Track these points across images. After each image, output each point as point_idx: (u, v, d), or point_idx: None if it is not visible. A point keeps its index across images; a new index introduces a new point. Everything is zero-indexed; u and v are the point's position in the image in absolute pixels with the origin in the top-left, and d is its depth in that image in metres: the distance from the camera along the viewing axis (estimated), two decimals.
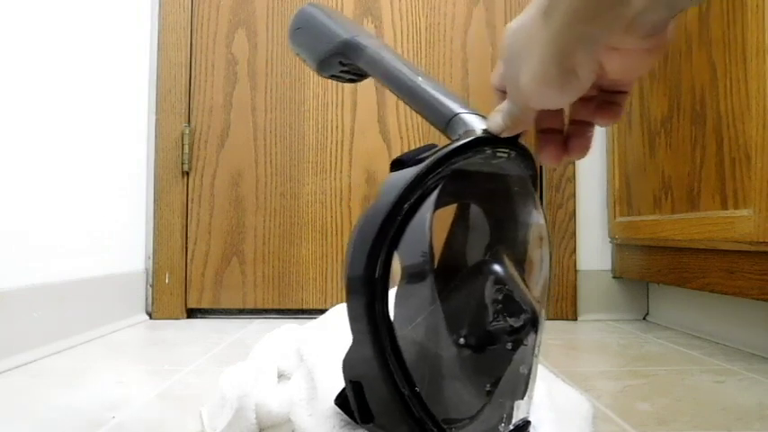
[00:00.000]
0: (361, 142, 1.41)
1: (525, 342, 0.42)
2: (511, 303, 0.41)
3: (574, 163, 1.40)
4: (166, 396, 0.72)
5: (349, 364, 0.41)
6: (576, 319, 1.37)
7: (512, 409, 0.43)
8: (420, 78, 0.47)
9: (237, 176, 1.40)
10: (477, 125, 0.41)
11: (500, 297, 0.42)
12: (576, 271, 1.39)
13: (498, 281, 0.42)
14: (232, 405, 0.50)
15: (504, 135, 0.40)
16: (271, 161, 1.41)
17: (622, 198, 1.32)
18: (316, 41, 0.55)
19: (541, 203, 0.46)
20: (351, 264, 0.39)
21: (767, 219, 0.82)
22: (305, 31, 0.56)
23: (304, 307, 1.38)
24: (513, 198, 0.45)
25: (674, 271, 1.13)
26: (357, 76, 0.56)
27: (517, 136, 0.41)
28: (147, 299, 1.36)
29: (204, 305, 1.39)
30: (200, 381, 0.79)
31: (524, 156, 0.43)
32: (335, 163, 1.41)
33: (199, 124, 1.41)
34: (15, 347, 0.88)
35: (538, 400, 0.50)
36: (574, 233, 1.40)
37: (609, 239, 1.40)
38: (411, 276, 0.40)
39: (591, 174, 1.42)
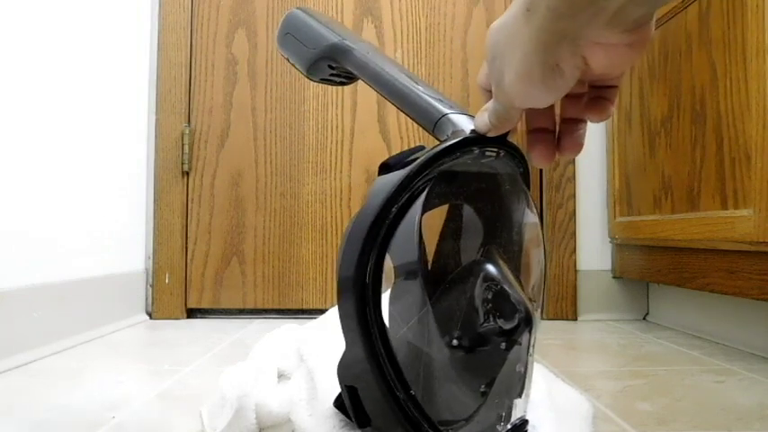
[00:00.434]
0: (361, 142, 1.41)
1: (519, 341, 0.42)
2: (503, 303, 0.41)
3: (574, 163, 1.40)
4: (166, 396, 0.72)
5: (343, 369, 0.41)
6: (576, 319, 1.37)
7: (509, 408, 0.43)
8: (408, 80, 0.47)
9: (237, 176, 1.40)
10: (466, 125, 0.41)
11: (492, 297, 0.42)
12: (576, 271, 1.39)
13: (490, 280, 0.42)
14: (232, 405, 0.50)
15: (491, 134, 0.39)
16: (271, 161, 1.41)
17: (622, 198, 1.32)
18: (304, 46, 0.55)
19: (534, 201, 0.45)
20: (341, 266, 0.39)
21: (767, 219, 0.82)
22: (293, 36, 0.56)
23: (304, 307, 1.38)
24: (505, 196, 0.45)
25: (674, 271, 1.13)
26: (347, 78, 0.56)
27: (505, 135, 0.40)
28: (147, 299, 1.36)
29: (204, 305, 1.39)
30: (200, 381, 0.79)
31: (514, 154, 0.43)
32: (335, 163, 1.41)
33: (199, 124, 1.41)
34: (15, 347, 0.88)
35: (538, 399, 0.50)
36: (574, 233, 1.40)
37: (609, 239, 1.40)
38: (402, 279, 0.40)
39: (591, 174, 1.42)
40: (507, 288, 0.41)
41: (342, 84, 0.57)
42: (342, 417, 0.45)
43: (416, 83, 0.47)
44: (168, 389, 0.75)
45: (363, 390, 0.40)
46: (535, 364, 0.47)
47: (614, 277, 1.40)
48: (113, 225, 1.22)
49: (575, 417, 0.55)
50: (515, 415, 0.43)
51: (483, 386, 0.42)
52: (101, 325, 1.13)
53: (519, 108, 0.37)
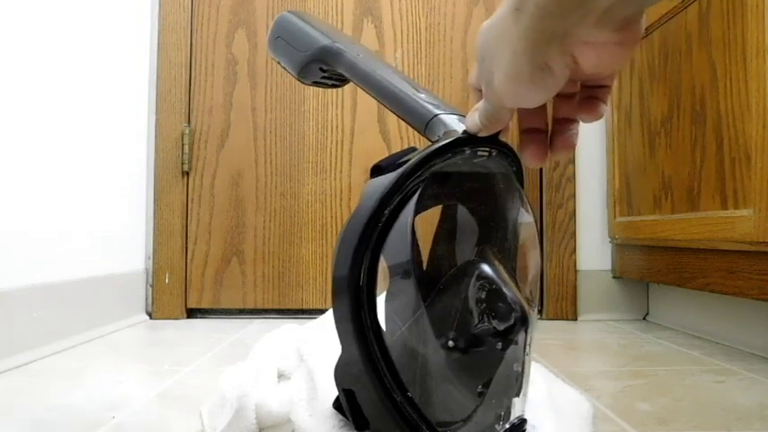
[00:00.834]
0: (361, 142, 1.41)
1: (516, 341, 0.42)
2: (499, 303, 0.41)
3: (574, 163, 1.40)
4: (166, 396, 0.72)
5: (339, 372, 0.41)
6: (576, 319, 1.37)
7: (506, 408, 0.43)
8: (400, 81, 0.47)
9: (237, 176, 1.40)
10: (457, 126, 0.41)
11: (487, 297, 0.42)
12: (576, 271, 1.39)
13: (485, 280, 0.42)
14: (232, 405, 0.50)
15: (482, 134, 0.39)
16: (271, 161, 1.41)
17: (622, 198, 1.32)
18: (294, 49, 0.55)
19: (528, 200, 0.45)
20: (335, 269, 0.39)
21: (767, 219, 0.82)
22: (283, 40, 0.56)
23: (304, 307, 1.38)
24: (499, 196, 0.45)
25: (674, 271, 1.13)
26: (339, 81, 0.56)
27: (497, 134, 0.40)
28: (147, 299, 1.36)
29: (204, 305, 1.39)
30: (200, 381, 0.79)
31: (507, 153, 0.43)
32: (335, 163, 1.41)
33: (199, 124, 1.41)
34: (15, 347, 0.88)
35: (538, 399, 0.50)
36: (574, 233, 1.40)
37: (609, 239, 1.40)
38: (398, 280, 0.40)
39: (591, 174, 1.42)
40: (502, 288, 0.41)
41: (334, 86, 0.57)
42: (341, 417, 0.45)
43: (408, 84, 0.47)
44: (168, 389, 0.75)
45: (360, 392, 0.40)
46: (535, 364, 0.47)
47: (614, 277, 1.40)
48: (113, 225, 1.22)
49: (575, 417, 0.55)
50: (513, 415, 0.43)
51: (480, 386, 0.42)
52: (101, 325, 1.13)
53: (509, 108, 0.37)
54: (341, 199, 1.40)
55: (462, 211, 0.47)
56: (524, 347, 0.42)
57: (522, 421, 0.43)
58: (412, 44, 1.43)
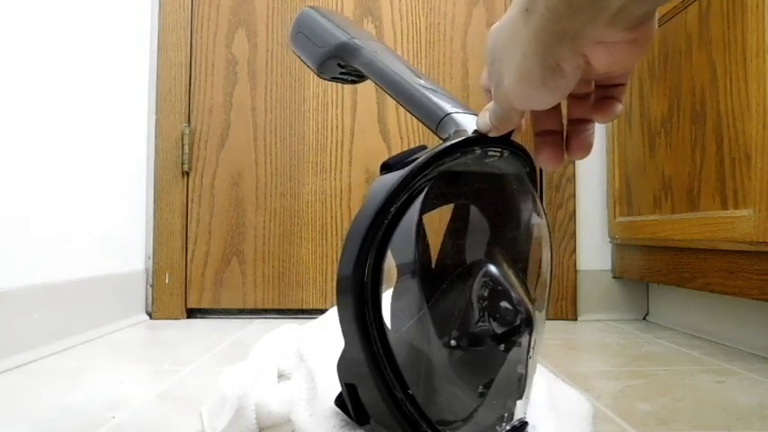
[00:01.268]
0: (361, 142, 1.41)
1: (519, 343, 0.41)
2: (502, 304, 0.41)
3: (574, 163, 1.40)
4: (166, 396, 0.72)
5: (342, 367, 0.41)
6: (576, 319, 1.37)
7: (508, 409, 0.43)
8: (415, 78, 0.47)
9: (237, 176, 1.40)
10: (469, 125, 0.41)
11: (492, 298, 0.41)
12: (576, 271, 1.39)
13: (491, 282, 0.42)
14: (232, 405, 0.50)
15: (493, 134, 0.39)
16: (271, 161, 1.41)
17: (622, 198, 1.32)
18: (314, 45, 0.55)
19: (541, 200, 0.45)
20: (340, 266, 0.39)
21: (767, 219, 0.82)
22: (304, 35, 0.57)
23: (304, 307, 1.38)
24: (510, 197, 0.45)
25: (674, 271, 1.13)
26: (357, 77, 0.56)
27: (509, 134, 0.40)
28: (147, 299, 1.36)
29: (204, 305, 1.39)
30: (200, 381, 0.79)
31: (519, 153, 0.43)
32: (335, 163, 1.41)
33: (199, 124, 1.41)
34: (15, 347, 0.88)
35: (538, 400, 0.50)
36: (574, 233, 1.40)
37: (609, 239, 1.40)
38: (404, 278, 0.40)
39: (591, 174, 1.42)
40: (507, 289, 0.41)
41: (353, 82, 0.58)
42: (342, 416, 0.45)
43: (424, 82, 0.47)
44: (168, 389, 0.75)
45: (362, 388, 0.40)
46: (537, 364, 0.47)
47: (614, 277, 1.40)
48: (113, 225, 1.22)
49: (575, 417, 0.55)
50: (515, 417, 0.43)
51: (481, 387, 0.42)
52: (101, 325, 1.13)
53: (519, 110, 0.36)
54: (341, 199, 1.40)
55: (472, 211, 0.47)
56: (528, 350, 0.42)
57: (524, 424, 0.43)
58: (412, 44, 1.43)
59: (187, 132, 1.39)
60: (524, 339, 0.42)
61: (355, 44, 0.52)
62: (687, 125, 1.05)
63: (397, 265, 0.40)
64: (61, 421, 0.62)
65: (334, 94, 1.42)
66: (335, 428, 0.45)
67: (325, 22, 0.56)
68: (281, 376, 0.57)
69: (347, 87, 1.40)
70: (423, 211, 0.39)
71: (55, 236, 1.01)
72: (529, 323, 0.41)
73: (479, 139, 0.40)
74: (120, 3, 1.27)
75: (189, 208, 1.39)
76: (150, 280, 1.37)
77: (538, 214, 0.45)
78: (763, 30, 0.83)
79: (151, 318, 1.35)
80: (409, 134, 1.41)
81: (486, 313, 0.42)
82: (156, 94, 1.39)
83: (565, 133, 0.39)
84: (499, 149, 0.42)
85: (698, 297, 1.17)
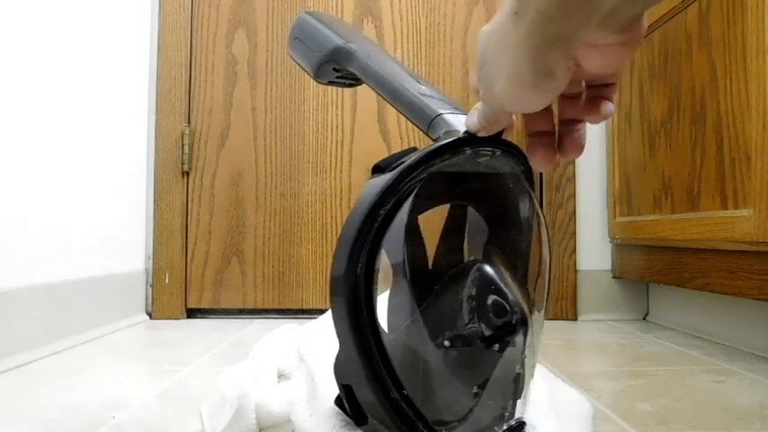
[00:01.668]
0: (361, 142, 1.41)
1: (513, 343, 0.41)
2: (497, 304, 0.41)
3: (574, 163, 1.40)
4: (166, 396, 0.72)
5: (338, 368, 0.41)
6: (576, 319, 1.37)
7: (504, 410, 0.43)
8: (409, 80, 0.47)
9: (237, 176, 1.40)
10: (460, 125, 0.41)
11: (486, 298, 0.41)
12: (576, 271, 1.39)
13: (485, 282, 0.42)
14: (232, 405, 0.50)
15: (482, 134, 0.39)
16: (271, 161, 1.41)
17: (622, 198, 1.32)
18: (309, 50, 0.56)
19: (541, 200, 0.45)
20: (332, 267, 0.39)
21: (767, 219, 0.82)
22: (300, 41, 0.57)
23: (304, 307, 1.38)
24: (505, 196, 0.45)
25: (673, 271, 1.13)
26: (353, 80, 0.56)
27: (500, 134, 0.40)
28: (147, 299, 1.36)
29: (204, 305, 1.39)
30: (200, 381, 0.79)
31: (512, 152, 0.43)
32: (335, 163, 1.41)
33: (199, 124, 1.41)
34: (15, 347, 0.88)
35: (538, 400, 0.50)
36: (574, 233, 1.40)
37: (609, 239, 1.40)
38: (396, 279, 0.40)
39: (591, 174, 1.42)
40: (502, 289, 0.41)
41: (350, 85, 0.58)
42: (342, 416, 0.45)
43: (418, 83, 0.47)
44: (168, 389, 0.75)
45: (358, 389, 0.40)
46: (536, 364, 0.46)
47: (614, 277, 1.40)
48: (113, 225, 1.22)
49: (575, 417, 0.55)
50: (512, 417, 0.43)
51: (476, 387, 0.42)
52: (101, 325, 1.13)
53: (508, 112, 0.36)
54: (341, 199, 1.40)
55: (469, 211, 0.47)
56: (523, 350, 0.42)
57: (521, 424, 0.43)
58: (412, 44, 1.43)
59: (187, 132, 1.39)
60: (519, 339, 0.41)
61: (350, 48, 0.52)
62: (687, 125, 1.05)
63: (392, 266, 0.40)
64: (61, 421, 0.62)
65: (334, 94, 1.42)
66: (335, 428, 0.45)
67: (320, 26, 0.56)
68: (281, 376, 0.57)
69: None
70: (414, 212, 0.39)
71: (55, 236, 1.01)
72: (524, 323, 0.41)
73: (469, 139, 0.40)
74: (120, 3, 1.27)
75: (189, 208, 1.39)
76: (150, 280, 1.37)
77: (535, 213, 0.45)
78: (763, 30, 0.83)
79: (151, 318, 1.35)
80: (409, 134, 1.41)
81: (479, 313, 0.42)
82: (156, 94, 1.39)
83: (557, 134, 0.39)
84: (490, 149, 0.42)
85: (698, 297, 1.17)
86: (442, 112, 0.43)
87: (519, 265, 0.45)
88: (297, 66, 0.59)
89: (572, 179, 1.40)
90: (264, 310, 1.39)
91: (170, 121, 1.39)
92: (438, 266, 0.47)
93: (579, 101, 0.37)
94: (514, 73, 0.32)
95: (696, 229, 1.00)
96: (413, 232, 0.44)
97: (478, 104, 0.38)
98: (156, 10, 1.40)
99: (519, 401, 0.43)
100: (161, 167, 1.38)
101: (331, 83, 0.58)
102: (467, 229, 0.47)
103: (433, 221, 0.48)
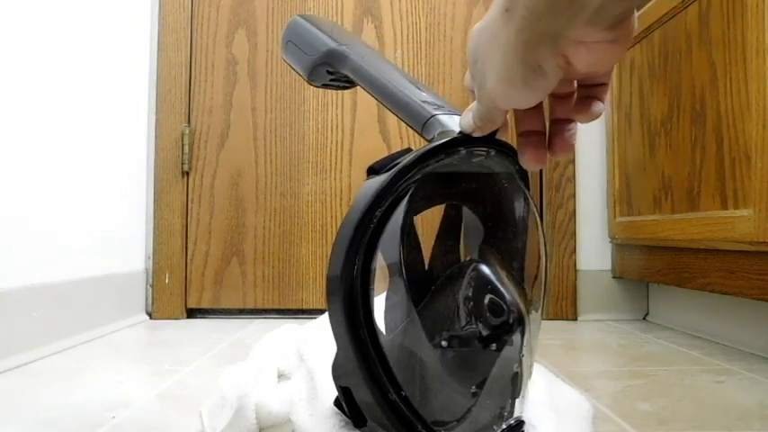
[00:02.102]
0: (361, 142, 1.41)
1: (510, 342, 0.41)
2: (493, 303, 0.41)
3: (574, 163, 1.40)
4: (166, 396, 0.72)
5: (336, 370, 0.41)
6: (576, 319, 1.37)
7: (503, 409, 0.43)
8: (403, 82, 0.47)
9: (237, 176, 1.40)
10: (454, 126, 0.41)
11: (482, 298, 0.41)
12: (576, 271, 1.39)
13: (481, 281, 0.42)
14: (232, 405, 0.50)
15: (477, 134, 0.39)
16: (271, 161, 1.41)
17: (622, 198, 1.32)
18: (303, 53, 0.56)
19: (541, 200, 0.45)
20: (328, 269, 0.39)
21: (767, 219, 0.82)
22: (293, 44, 0.57)
23: (304, 307, 1.38)
24: (501, 195, 0.45)
25: (673, 271, 1.13)
26: (347, 83, 0.56)
27: (494, 133, 0.40)
28: (147, 299, 1.36)
29: (204, 305, 1.39)
30: (200, 381, 0.79)
31: (507, 152, 0.43)
32: (335, 163, 1.41)
33: (199, 124, 1.41)
34: (15, 347, 0.88)
35: (538, 399, 0.50)
36: (574, 233, 1.40)
37: (609, 239, 1.40)
38: (393, 280, 0.40)
39: (591, 174, 1.42)
40: (498, 288, 0.41)
41: (343, 88, 0.58)
42: (342, 417, 0.45)
43: (412, 84, 0.47)
44: (168, 389, 0.75)
45: (356, 390, 0.40)
46: (535, 364, 0.46)
47: (614, 277, 1.40)
48: (113, 225, 1.22)
49: (575, 417, 0.55)
50: (511, 416, 0.43)
51: (474, 387, 0.42)
52: (101, 325, 1.13)
53: (502, 109, 0.36)
54: (341, 199, 1.40)
55: (464, 212, 0.47)
56: (520, 349, 0.42)
57: (520, 423, 0.43)
58: (412, 44, 1.43)
59: (187, 132, 1.39)
60: (517, 338, 0.41)
61: (343, 50, 0.52)
62: (687, 125, 1.05)
63: (388, 267, 0.40)
64: (61, 421, 0.62)
65: (334, 94, 1.42)
66: (335, 428, 0.45)
67: (313, 29, 0.56)
68: (281, 376, 0.57)
69: None
70: (409, 213, 0.39)
71: (55, 236, 1.01)
72: (521, 322, 0.41)
73: (464, 139, 0.40)
74: (120, 3, 1.27)
75: (189, 208, 1.39)
76: (150, 280, 1.37)
77: (530, 212, 0.45)
78: (763, 30, 0.83)
79: (151, 318, 1.35)
80: (409, 134, 1.41)
81: (476, 313, 0.42)
82: (156, 94, 1.39)
83: (547, 133, 0.39)
84: (485, 149, 0.42)
85: (698, 297, 1.17)
86: (436, 113, 0.43)
87: (515, 265, 0.45)
88: (295, 71, 0.59)
89: (572, 179, 1.40)
90: (264, 310, 1.39)
91: (170, 121, 1.39)
92: (434, 267, 0.47)
93: (570, 100, 0.37)
94: (505, 70, 0.32)
95: (696, 229, 1.00)
96: (409, 233, 0.44)
97: (473, 104, 0.38)
98: (156, 10, 1.40)
99: (517, 400, 0.43)
100: (161, 167, 1.38)
101: (325, 86, 0.58)
102: (462, 230, 0.47)
103: (428, 222, 0.48)
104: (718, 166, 0.95)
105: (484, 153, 0.42)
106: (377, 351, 0.38)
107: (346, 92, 1.42)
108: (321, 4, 1.43)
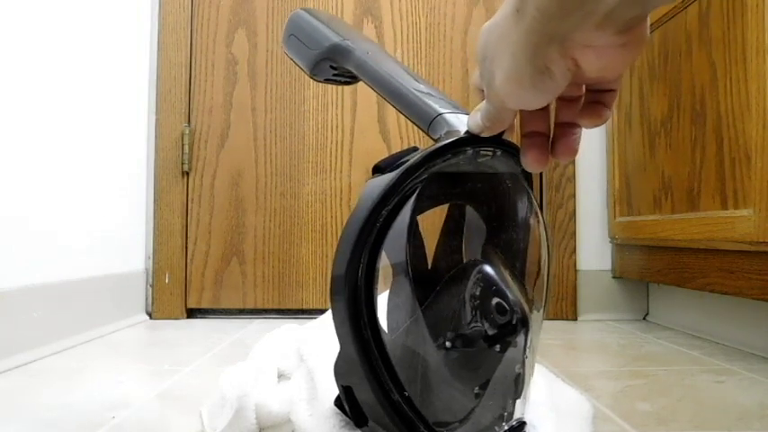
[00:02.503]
0: (361, 142, 1.41)
1: (514, 343, 0.41)
2: (497, 304, 0.41)
3: (574, 163, 1.40)
4: (166, 396, 0.72)
5: (338, 369, 0.41)
6: (576, 319, 1.37)
7: (505, 410, 0.43)
8: (408, 79, 0.47)
9: (237, 176, 1.40)
10: (461, 125, 0.41)
11: (487, 298, 0.41)
12: (576, 271, 1.39)
13: (485, 282, 0.42)
14: (232, 405, 0.50)
15: (484, 134, 0.39)
16: (271, 161, 1.41)
17: (622, 198, 1.32)
18: (306, 47, 0.55)
19: (541, 200, 0.45)
20: (333, 267, 0.39)
21: (767, 219, 0.82)
22: (296, 38, 0.56)
23: (304, 307, 1.38)
24: (505, 196, 0.45)
25: (673, 271, 1.13)
26: (350, 78, 0.56)
27: (500, 134, 0.40)
28: (147, 299, 1.36)
29: (204, 305, 1.39)
30: (200, 381, 0.79)
31: (512, 152, 0.43)
32: (335, 163, 1.41)
33: (199, 124, 1.41)
34: (15, 347, 0.88)
35: (538, 400, 0.50)
36: (574, 233, 1.40)
37: (609, 239, 1.40)
38: (398, 280, 0.40)
39: (591, 174, 1.42)
40: (502, 289, 0.41)
41: (346, 83, 0.57)
42: (342, 417, 0.45)
43: (417, 82, 0.47)
44: (168, 389, 0.75)
45: (358, 390, 0.40)
46: (536, 364, 0.46)
47: (614, 277, 1.40)
48: (113, 225, 1.22)
49: (575, 417, 0.55)
50: (513, 417, 0.43)
51: (477, 388, 0.42)
52: (101, 325, 1.13)
53: (511, 109, 0.36)
54: (341, 199, 1.40)
55: (468, 211, 0.47)
56: (524, 350, 0.42)
57: (522, 423, 0.43)
58: (412, 44, 1.43)
59: (187, 132, 1.39)
60: (520, 339, 0.41)
61: (347, 45, 0.52)
62: (687, 125, 1.05)
63: (392, 266, 0.40)
64: (61, 421, 0.62)
65: (334, 94, 1.42)
66: (335, 428, 0.45)
67: (316, 23, 0.55)
68: (281, 376, 0.57)
69: (347, 87, 1.40)
70: (415, 212, 0.39)
71: (55, 236, 1.01)
72: (525, 323, 0.41)
73: (470, 139, 0.40)
74: (120, 3, 1.27)
75: (189, 208, 1.39)
76: (150, 280, 1.37)
77: (534, 212, 0.45)
78: (763, 30, 0.83)
79: (151, 318, 1.35)
80: (409, 134, 1.41)
81: (480, 314, 0.41)
82: (156, 94, 1.39)
83: (551, 136, 0.39)
84: (491, 149, 0.42)
85: (698, 297, 1.17)
86: (442, 111, 0.43)
87: (518, 265, 0.45)
88: (297, 65, 0.59)
89: (572, 179, 1.40)
90: (264, 310, 1.39)
91: (170, 121, 1.39)
92: (438, 267, 0.47)
93: (577, 104, 0.37)
94: (514, 70, 0.32)
95: (696, 229, 1.00)
96: (414, 232, 0.44)
97: (482, 104, 0.38)
98: (156, 10, 1.40)
99: (519, 401, 0.43)
100: (161, 167, 1.38)
101: (327, 80, 0.57)
102: (465, 229, 0.47)
103: (431, 221, 0.48)
104: (718, 166, 0.95)
105: (490, 153, 0.42)
106: (380, 350, 0.38)
107: (346, 92, 1.42)
108: (321, 3, 1.43)
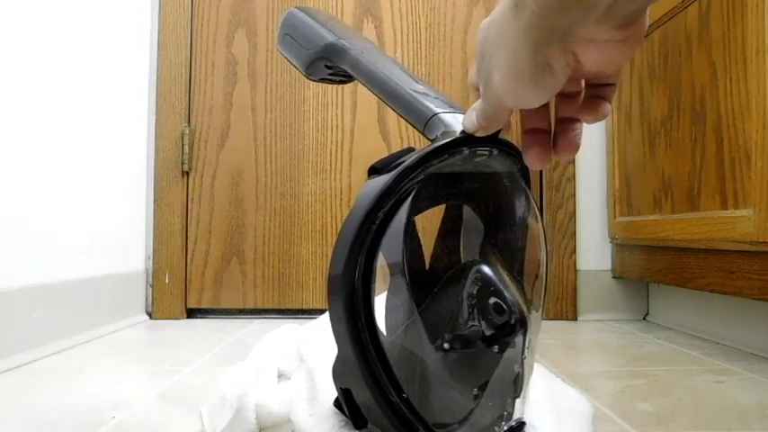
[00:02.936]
0: (361, 142, 1.41)
1: (513, 343, 0.41)
2: (495, 305, 0.41)
3: (574, 163, 1.40)
4: (166, 396, 0.72)
5: (336, 371, 0.41)
6: (576, 319, 1.37)
7: (505, 410, 0.43)
8: (404, 78, 0.46)
9: (237, 176, 1.40)
10: (457, 125, 0.41)
11: (485, 299, 0.41)
12: (576, 271, 1.39)
13: (483, 282, 0.42)
14: (232, 405, 0.50)
15: (480, 134, 0.38)
16: (271, 161, 1.41)
17: (622, 198, 1.32)
18: (301, 46, 0.55)
19: (541, 200, 0.45)
20: (330, 268, 0.39)
21: (767, 219, 0.82)
22: (291, 37, 0.56)
23: (304, 307, 1.38)
24: (503, 195, 0.45)
25: (674, 271, 1.13)
26: (346, 77, 0.55)
27: (496, 133, 0.40)
28: (147, 299, 1.36)
29: (204, 305, 1.39)
30: (200, 381, 0.79)
31: (509, 151, 0.42)
32: (335, 163, 1.41)
33: (199, 124, 1.41)
34: (15, 347, 0.88)
35: (538, 400, 0.50)
36: (574, 233, 1.40)
37: (609, 239, 1.40)
38: (395, 281, 0.40)
39: (591, 174, 1.42)
40: (500, 289, 0.41)
41: (342, 82, 0.57)
42: (342, 417, 0.45)
43: (413, 82, 0.47)
44: (168, 389, 0.75)
45: (356, 392, 0.40)
46: (535, 364, 0.46)
47: (614, 277, 1.40)
48: (113, 225, 1.22)
49: (575, 417, 0.55)
50: (513, 417, 0.43)
51: (476, 389, 0.42)
52: (101, 325, 1.13)
53: (508, 107, 0.36)
54: (341, 199, 1.40)
55: (465, 211, 0.47)
56: (522, 350, 0.42)
57: (521, 424, 0.43)
58: (412, 44, 1.43)
59: (187, 132, 1.39)
60: (519, 339, 0.41)
61: (342, 45, 0.52)
62: (687, 125, 1.05)
63: (390, 267, 0.40)
64: (61, 421, 0.62)
65: (334, 95, 1.42)
66: (335, 429, 0.45)
67: (311, 22, 0.55)
68: (281, 376, 0.57)
69: (347, 87, 1.40)
70: (412, 213, 0.39)
71: (55, 236, 1.01)
72: (523, 323, 0.41)
73: (467, 139, 0.39)
74: (120, 3, 1.27)
75: (189, 208, 1.39)
76: (150, 280, 1.37)
77: (532, 212, 0.45)
78: (763, 30, 0.83)
79: (151, 318, 1.35)
80: (409, 134, 1.41)
81: (478, 314, 0.41)
82: (156, 94, 1.39)
83: (552, 132, 0.39)
84: (488, 148, 0.41)
85: (698, 297, 1.17)
86: (438, 111, 0.43)
87: (516, 265, 0.45)
88: (292, 65, 0.58)
89: (572, 179, 1.40)
90: (264, 310, 1.39)
91: (170, 121, 1.39)
92: (435, 267, 0.47)
93: (577, 100, 0.37)
94: (513, 67, 0.32)
95: (696, 229, 1.00)
96: (411, 233, 0.44)
97: (477, 103, 0.38)
98: (156, 10, 1.40)
99: (518, 401, 0.43)
100: (161, 167, 1.38)
101: (323, 80, 0.57)
102: (463, 230, 0.46)
103: (428, 221, 0.48)
104: (718, 166, 0.95)
105: (487, 152, 0.42)
106: (378, 352, 0.38)
107: (346, 92, 1.42)
108: (321, 3, 1.43)
